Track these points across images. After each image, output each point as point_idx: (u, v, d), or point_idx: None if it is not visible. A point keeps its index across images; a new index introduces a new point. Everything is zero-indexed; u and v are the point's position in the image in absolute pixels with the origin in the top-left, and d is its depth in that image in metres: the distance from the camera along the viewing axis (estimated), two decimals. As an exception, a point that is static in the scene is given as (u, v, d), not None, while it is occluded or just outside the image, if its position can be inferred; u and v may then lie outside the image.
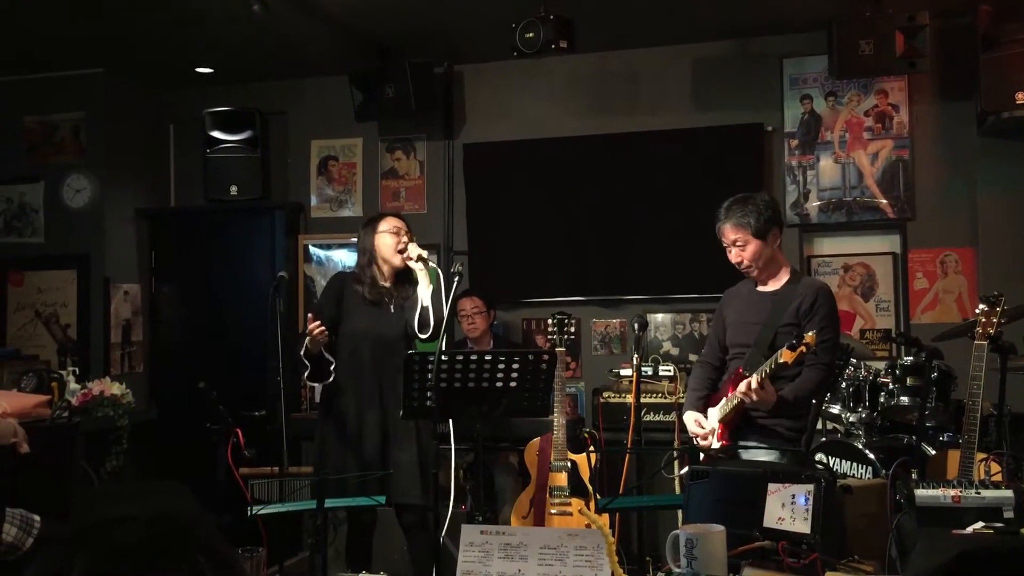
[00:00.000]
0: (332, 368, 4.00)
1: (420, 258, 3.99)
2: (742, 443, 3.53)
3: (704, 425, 3.64)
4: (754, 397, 3.36)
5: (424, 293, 4.00)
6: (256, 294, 6.11)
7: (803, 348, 3.19)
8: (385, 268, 4.11)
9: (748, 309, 3.68)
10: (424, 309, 3.96)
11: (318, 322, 3.85)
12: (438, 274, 3.96)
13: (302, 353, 3.94)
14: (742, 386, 3.39)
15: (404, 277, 4.10)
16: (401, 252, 4.05)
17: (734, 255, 3.63)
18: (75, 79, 6.23)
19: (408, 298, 4.07)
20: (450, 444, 3.76)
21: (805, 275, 3.75)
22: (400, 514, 4.05)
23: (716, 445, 3.56)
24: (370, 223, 4.19)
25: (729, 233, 3.61)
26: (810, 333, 3.21)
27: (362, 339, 4.06)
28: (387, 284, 4.11)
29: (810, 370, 3.47)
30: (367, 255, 4.13)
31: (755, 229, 3.55)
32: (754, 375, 3.36)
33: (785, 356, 3.22)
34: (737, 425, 3.56)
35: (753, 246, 3.57)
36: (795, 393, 3.44)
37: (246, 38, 5.62)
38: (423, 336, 3.96)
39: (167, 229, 6.63)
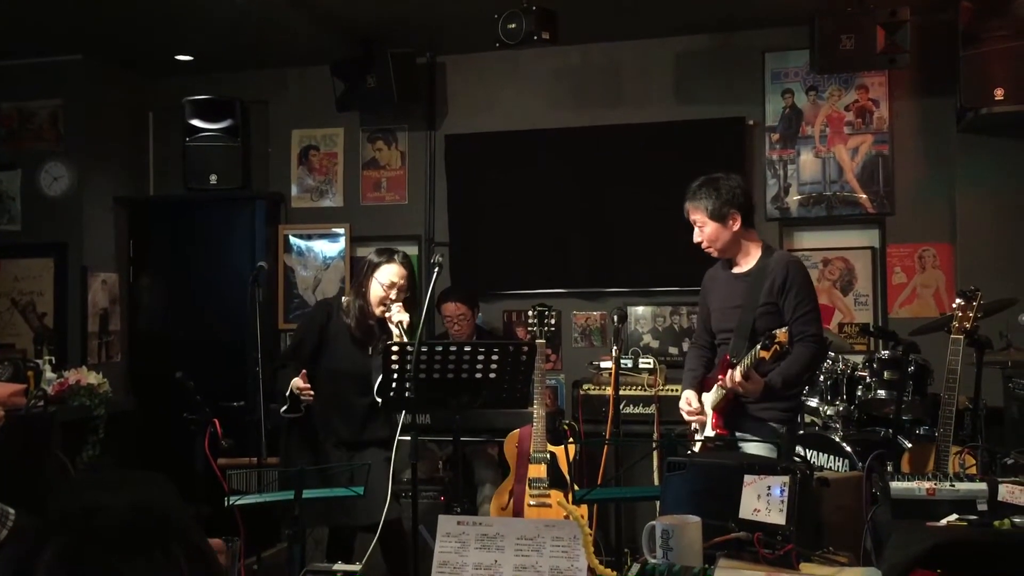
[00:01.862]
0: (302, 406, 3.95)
1: (399, 324, 3.86)
2: (738, 434, 3.57)
3: (692, 403, 3.70)
4: (739, 390, 3.41)
5: None
6: (235, 284, 6.04)
7: (776, 347, 3.24)
8: (370, 309, 4.01)
9: (728, 294, 3.73)
10: None
11: (309, 387, 3.83)
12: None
13: (287, 394, 3.88)
14: (727, 380, 3.44)
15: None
16: (383, 310, 3.95)
17: (695, 234, 3.70)
18: (53, 65, 6.17)
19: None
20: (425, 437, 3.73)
21: (777, 249, 3.78)
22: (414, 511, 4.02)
23: (710, 433, 3.59)
24: (377, 259, 4.02)
25: (690, 212, 3.69)
26: (782, 330, 3.26)
27: (338, 377, 4.01)
28: (371, 322, 4.02)
29: (799, 346, 3.51)
30: (359, 293, 4.02)
31: (711, 212, 3.62)
32: (738, 367, 3.40)
33: (762, 354, 3.28)
34: (730, 412, 3.60)
35: (710, 228, 3.64)
36: (783, 375, 3.48)
37: (227, 26, 5.58)
38: (379, 400, 3.72)
39: (146, 218, 6.57)
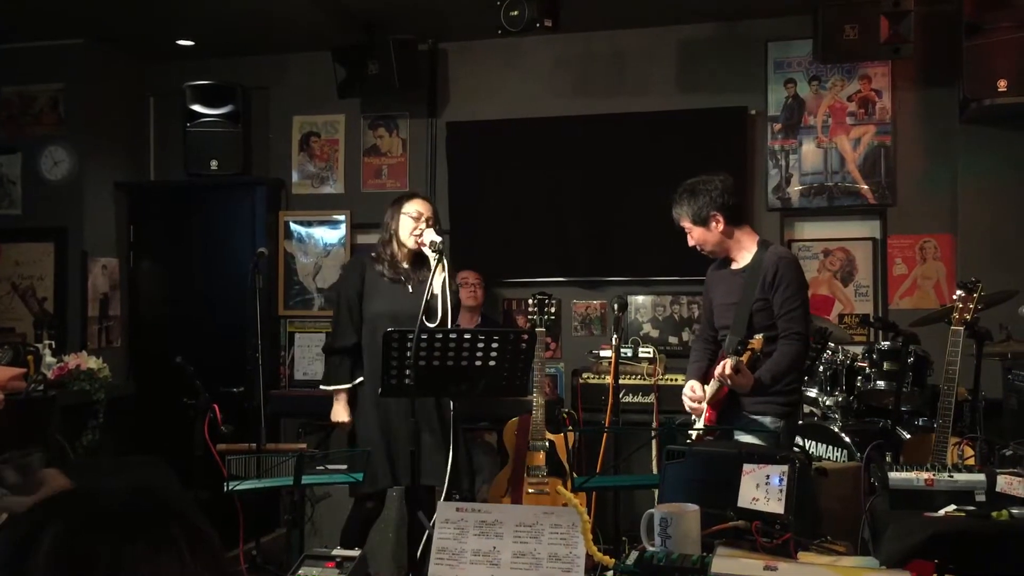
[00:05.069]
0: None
1: (432, 244, 3.92)
2: (727, 427, 3.59)
3: (696, 390, 3.73)
4: (729, 383, 3.43)
5: (436, 281, 3.91)
6: (236, 270, 6.05)
7: (749, 353, 3.35)
8: (403, 249, 4.09)
9: (726, 290, 3.77)
10: (433, 297, 3.88)
11: (349, 421, 4.08)
12: (444, 266, 3.91)
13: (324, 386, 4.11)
14: (718, 369, 3.47)
15: (422, 259, 4.06)
16: (417, 236, 4.04)
17: (688, 238, 3.80)
18: (54, 49, 6.15)
19: (425, 280, 3.98)
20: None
21: (772, 244, 3.81)
22: (412, 493, 4.01)
23: (702, 423, 3.61)
24: (397, 202, 4.17)
25: (677, 219, 3.79)
26: (757, 337, 3.36)
27: (385, 320, 3.99)
28: (405, 264, 4.10)
29: (784, 343, 3.54)
30: (388, 233, 4.13)
31: (691, 217, 3.71)
32: (728, 360, 3.42)
33: (743, 357, 3.38)
34: (725, 408, 3.62)
35: (694, 233, 3.74)
36: (772, 372, 3.51)
37: (229, 11, 5.57)
38: (430, 325, 3.83)
39: (146, 203, 6.56)
